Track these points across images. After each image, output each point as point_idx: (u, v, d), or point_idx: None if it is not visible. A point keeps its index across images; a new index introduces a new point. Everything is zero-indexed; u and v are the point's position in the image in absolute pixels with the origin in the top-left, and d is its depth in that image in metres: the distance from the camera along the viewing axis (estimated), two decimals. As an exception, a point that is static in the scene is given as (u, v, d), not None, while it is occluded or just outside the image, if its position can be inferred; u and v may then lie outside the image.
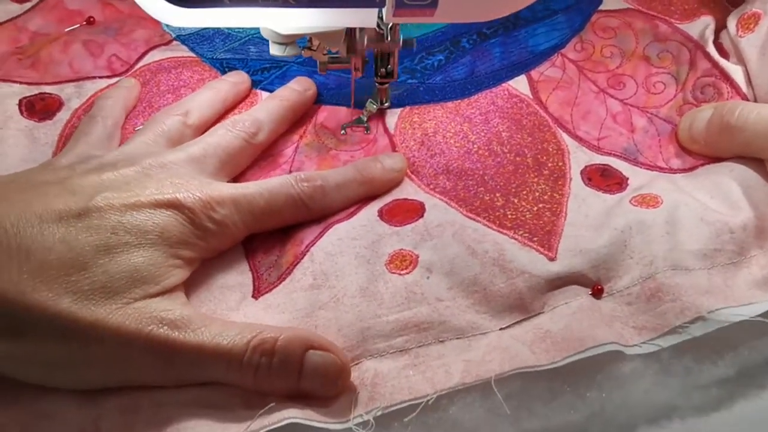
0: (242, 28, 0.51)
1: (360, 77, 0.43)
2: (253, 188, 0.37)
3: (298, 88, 0.45)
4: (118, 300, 0.31)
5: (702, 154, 0.41)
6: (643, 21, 0.48)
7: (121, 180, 0.34)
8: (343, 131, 0.44)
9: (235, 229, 0.36)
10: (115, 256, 0.32)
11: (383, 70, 0.42)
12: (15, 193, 0.32)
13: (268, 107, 0.43)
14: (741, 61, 0.43)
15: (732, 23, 0.45)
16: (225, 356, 0.31)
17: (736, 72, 0.43)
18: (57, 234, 0.31)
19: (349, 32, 0.39)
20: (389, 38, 0.39)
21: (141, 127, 0.42)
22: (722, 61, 0.44)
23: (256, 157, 0.42)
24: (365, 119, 0.45)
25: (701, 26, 0.46)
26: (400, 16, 0.33)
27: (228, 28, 0.51)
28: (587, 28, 0.49)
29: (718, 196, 0.38)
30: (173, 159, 0.37)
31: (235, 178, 0.41)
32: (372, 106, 0.45)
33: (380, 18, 0.36)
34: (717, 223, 0.36)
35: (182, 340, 0.31)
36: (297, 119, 0.44)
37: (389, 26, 0.39)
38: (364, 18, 0.35)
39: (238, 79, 0.46)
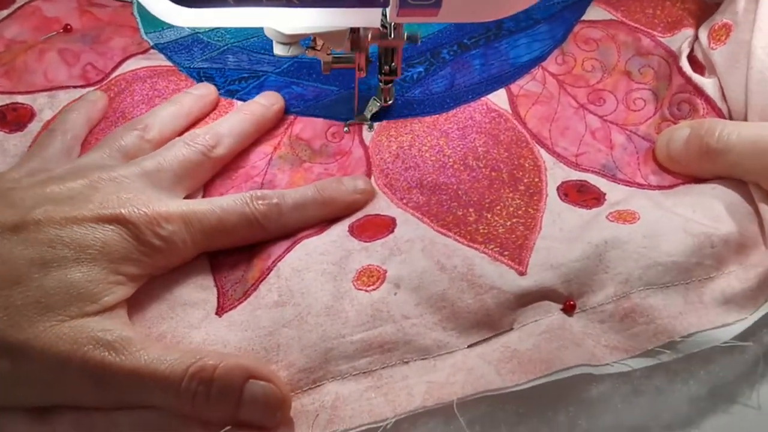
0: (221, 38, 0.50)
1: (361, 82, 0.43)
2: (206, 205, 0.36)
3: (264, 103, 0.44)
4: (52, 317, 0.30)
5: (682, 173, 0.41)
6: (626, 33, 0.47)
7: (65, 193, 0.34)
8: (346, 129, 0.44)
9: (184, 246, 0.36)
10: (51, 270, 0.31)
11: (387, 67, 0.41)
12: None
13: (230, 121, 0.42)
14: (714, 74, 0.42)
15: (704, 35, 0.44)
16: (162, 382, 0.30)
17: (709, 86, 0.42)
18: None
19: (353, 31, 0.39)
20: (393, 37, 0.39)
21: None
22: (695, 76, 0.43)
23: (222, 170, 0.42)
24: (368, 116, 0.44)
25: (681, 40, 0.46)
26: (404, 16, 0.33)
27: (207, 37, 0.50)
28: (569, 40, 0.48)
29: (699, 210, 0.37)
30: (125, 173, 0.36)
31: (204, 191, 0.41)
32: (375, 104, 0.45)
33: (384, 18, 0.36)
34: (700, 236, 0.35)
35: (118, 364, 0.30)
36: (262, 134, 0.44)
37: (393, 26, 0.39)
38: (367, 18, 0.35)
39: (204, 92, 0.45)
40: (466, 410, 0.31)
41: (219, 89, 0.46)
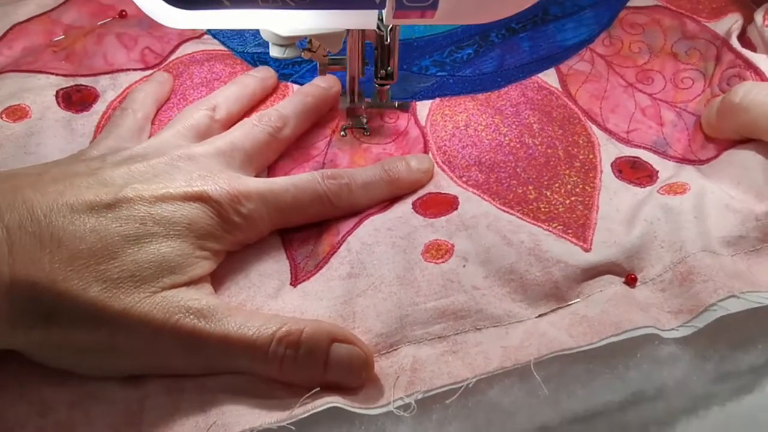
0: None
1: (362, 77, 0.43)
2: (280, 184, 0.38)
3: (323, 85, 0.45)
4: (146, 289, 0.31)
5: (718, 138, 0.42)
6: (671, 18, 0.49)
7: (150, 171, 0.35)
8: (343, 133, 0.44)
9: (261, 223, 0.37)
10: (144, 246, 0.32)
11: (383, 71, 0.42)
12: (47, 184, 0.33)
13: (293, 103, 0.43)
14: (766, 51, 0.43)
15: (759, 15, 0.45)
16: (250, 347, 0.31)
17: (760, 60, 0.43)
18: (88, 224, 0.32)
19: (350, 33, 0.40)
20: (389, 39, 0.40)
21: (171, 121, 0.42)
22: (745, 52, 0.44)
23: (285, 150, 0.43)
24: (365, 121, 0.45)
25: (729, 23, 0.47)
26: (400, 18, 0.33)
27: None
28: (615, 24, 0.49)
29: (744, 182, 0.38)
30: (201, 152, 0.37)
31: (268, 171, 0.42)
32: (371, 108, 0.45)
33: (380, 19, 0.36)
34: (743, 210, 0.36)
35: (208, 330, 0.31)
36: (322, 115, 0.45)
37: (389, 28, 0.39)
38: (364, 19, 0.35)
39: (266, 75, 0.46)
40: (539, 370, 0.32)
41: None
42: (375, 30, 0.38)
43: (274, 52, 0.39)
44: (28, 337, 0.30)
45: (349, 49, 0.41)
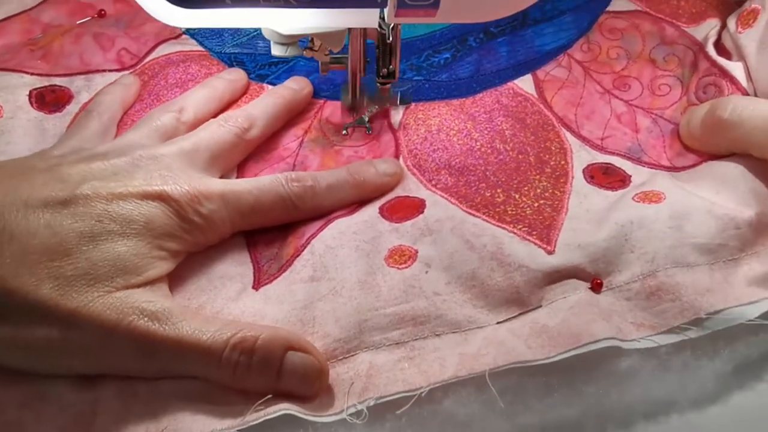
0: (251, 24, 0.51)
1: (363, 76, 0.43)
2: (243, 185, 0.37)
3: (294, 87, 0.45)
4: (99, 288, 0.31)
5: (700, 150, 0.41)
6: (650, 23, 0.48)
7: (109, 170, 0.35)
8: (344, 131, 0.44)
9: (222, 224, 0.37)
10: (99, 243, 0.32)
11: (385, 70, 0.42)
12: (3, 179, 0.33)
13: (262, 104, 0.43)
14: (742, 58, 0.43)
15: (732, 21, 0.45)
16: (204, 351, 0.31)
17: (735, 69, 0.43)
18: (41, 219, 0.31)
19: (351, 32, 0.39)
20: (391, 38, 0.40)
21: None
22: (720, 60, 0.44)
23: (255, 151, 0.43)
24: (366, 119, 0.45)
25: (707, 29, 0.46)
26: (401, 17, 0.33)
27: (237, 24, 0.51)
28: (594, 29, 0.49)
29: (724, 191, 0.38)
30: (164, 152, 0.37)
31: (238, 172, 0.42)
32: (373, 108, 0.45)
33: (382, 18, 0.36)
34: (724, 218, 0.36)
35: (162, 333, 0.31)
36: (293, 116, 0.45)
37: (391, 26, 0.39)
38: (365, 18, 0.35)
39: (236, 77, 0.46)
40: (496, 381, 0.32)
41: (249, 74, 0.47)
42: (377, 29, 0.38)
43: (276, 50, 0.39)
44: None
45: (351, 48, 0.41)
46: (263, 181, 0.38)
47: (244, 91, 0.46)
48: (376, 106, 0.45)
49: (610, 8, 0.49)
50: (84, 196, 0.33)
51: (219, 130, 0.40)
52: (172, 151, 0.38)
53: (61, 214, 0.32)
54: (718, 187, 0.38)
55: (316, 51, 0.40)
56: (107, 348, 0.31)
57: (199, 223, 0.36)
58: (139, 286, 0.33)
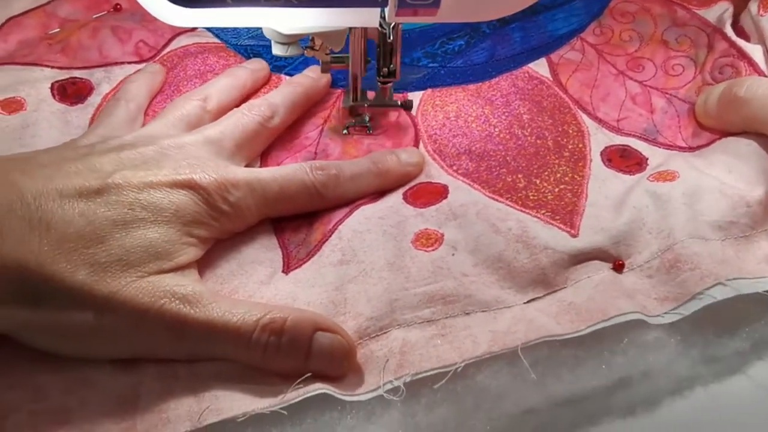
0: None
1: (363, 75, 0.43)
2: (268, 174, 0.38)
3: (313, 75, 0.45)
4: (133, 273, 0.32)
5: (714, 128, 0.42)
6: (661, 6, 0.49)
7: (139, 159, 0.35)
8: (345, 131, 0.44)
9: (248, 212, 0.37)
10: (132, 230, 0.33)
11: (385, 69, 0.42)
12: (36, 169, 0.33)
13: (283, 92, 0.44)
14: (762, 40, 0.44)
15: (754, 4, 0.45)
16: (234, 333, 0.32)
17: (754, 51, 0.43)
18: (76, 208, 0.32)
19: (352, 32, 0.40)
20: (391, 38, 0.40)
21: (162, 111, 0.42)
22: (739, 41, 0.44)
23: (277, 140, 0.43)
24: (368, 119, 0.45)
25: (719, 11, 0.47)
26: (402, 16, 0.33)
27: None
28: (605, 14, 0.49)
29: (735, 170, 0.39)
30: (190, 141, 0.38)
31: (261, 160, 0.42)
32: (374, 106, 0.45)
33: (383, 17, 0.37)
34: (734, 196, 0.37)
35: (193, 315, 0.32)
36: (312, 105, 0.45)
37: (392, 26, 0.39)
38: (366, 18, 0.35)
39: (258, 67, 0.46)
40: (527, 354, 0.32)
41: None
42: (377, 28, 0.38)
43: (277, 50, 0.39)
44: (16, 319, 0.31)
45: (352, 47, 0.41)
46: (288, 170, 0.39)
47: (266, 81, 0.47)
48: (375, 107, 0.45)
49: (620, -7, 0.50)
50: (116, 185, 0.33)
51: (243, 119, 0.41)
52: (198, 139, 0.38)
53: (95, 203, 0.33)
54: (730, 165, 0.39)
55: (316, 50, 0.41)
56: (140, 331, 0.32)
57: (227, 211, 0.36)
58: (170, 270, 0.33)
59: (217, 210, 0.36)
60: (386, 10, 0.35)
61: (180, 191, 0.35)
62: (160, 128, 0.39)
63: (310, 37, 0.40)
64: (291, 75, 0.47)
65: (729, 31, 0.46)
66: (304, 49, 0.40)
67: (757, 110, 0.38)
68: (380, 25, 0.38)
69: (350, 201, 0.40)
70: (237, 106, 0.44)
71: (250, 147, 0.41)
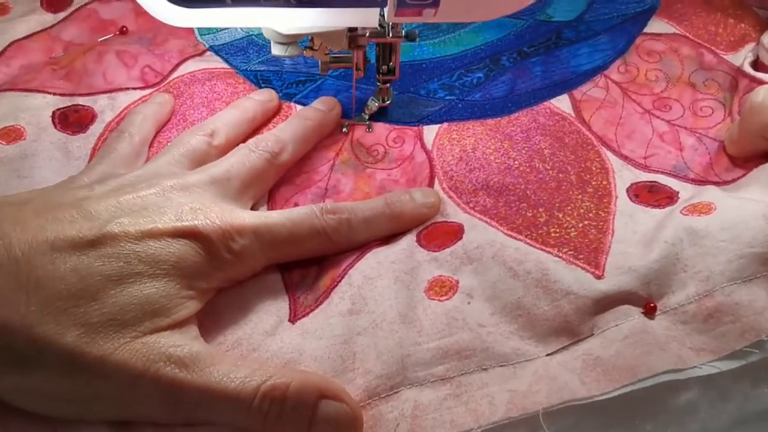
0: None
1: (360, 82, 0.43)
2: (276, 218, 0.36)
3: (322, 108, 0.44)
4: (126, 334, 0.30)
5: (739, 151, 0.40)
6: (689, 48, 0.47)
7: (139, 204, 0.33)
8: (344, 129, 0.44)
9: (254, 259, 0.35)
10: (127, 286, 0.31)
11: (385, 67, 0.41)
12: (29, 218, 0.31)
13: (292, 126, 0.42)
14: None
15: (766, 36, 0.44)
16: (233, 400, 0.29)
17: None
18: (68, 263, 0.30)
19: (351, 32, 0.39)
20: (391, 35, 0.39)
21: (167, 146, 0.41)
22: (759, 74, 0.43)
23: (286, 175, 0.41)
24: (367, 117, 0.44)
25: (744, 55, 0.46)
26: (402, 16, 0.33)
27: (261, 40, 0.50)
28: (631, 51, 0.48)
29: None
30: (194, 181, 0.36)
31: (269, 197, 0.40)
32: (373, 104, 0.44)
33: (382, 17, 0.36)
34: None
35: (189, 381, 0.29)
36: (322, 138, 0.44)
37: (391, 26, 0.39)
38: (365, 18, 0.35)
39: (267, 98, 0.45)
40: (551, 421, 0.30)
41: (277, 92, 0.46)
42: (377, 28, 0.37)
43: (276, 50, 0.38)
44: (2, 383, 0.29)
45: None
46: (298, 213, 0.37)
47: (276, 112, 0.45)
48: (377, 104, 0.44)
49: (647, 30, 0.49)
50: (112, 235, 0.31)
51: (250, 156, 0.39)
52: (203, 180, 0.36)
53: (88, 257, 0.31)
54: None
55: (316, 50, 0.40)
56: (134, 396, 0.30)
57: (231, 259, 0.34)
58: (167, 328, 0.31)
59: (220, 259, 0.34)
60: (385, 9, 0.34)
61: (181, 241, 0.33)
62: (163, 166, 0.38)
63: (310, 38, 0.39)
64: (302, 103, 0.46)
65: (748, 68, 0.44)
66: (304, 50, 0.39)
67: None
68: (379, 24, 0.37)
69: (362, 245, 0.38)
70: (245, 139, 0.42)
71: (258, 185, 0.39)
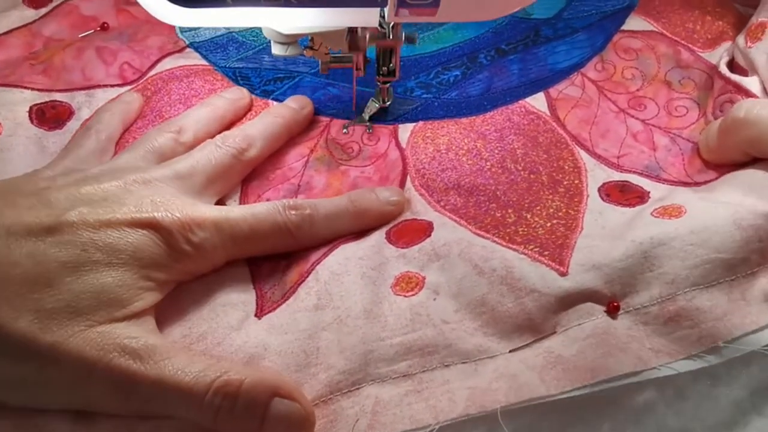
0: (256, 37, 0.50)
1: (360, 84, 0.43)
2: (238, 212, 0.36)
3: (294, 106, 0.44)
4: (81, 322, 0.30)
5: (716, 160, 0.40)
6: (666, 45, 0.47)
7: (99, 195, 0.33)
8: (345, 130, 0.44)
9: (214, 253, 0.35)
10: (83, 274, 0.31)
11: (385, 68, 0.41)
12: None
13: (261, 123, 0.42)
14: (755, 72, 0.42)
15: (741, 37, 0.44)
16: (185, 394, 0.29)
17: (751, 83, 0.41)
18: (24, 248, 0.30)
19: (351, 31, 0.39)
20: (391, 37, 0.39)
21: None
22: (734, 77, 0.42)
23: (260, 171, 0.41)
24: (367, 118, 0.44)
25: (721, 53, 0.46)
26: (402, 16, 0.33)
27: (242, 37, 0.50)
28: (609, 48, 0.47)
29: (752, 193, 0.36)
30: (158, 175, 0.36)
31: (242, 193, 0.40)
32: (374, 105, 0.44)
33: (382, 17, 0.36)
34: (749, 229, 0.34)
35: (143, 372, 0.29)
36: (292, 137, 0.43)
37: (391, 26, 0.39)
38: (365, 17, 0.35)
39: (238, 96, 0.45)
40: (509, 420, 0.30)
41: (254, 89, 0.47)
42: (377, 28, 0.38)
43: (276, 50, 0.38)
44: None
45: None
46: (260, 208, 0.36)
47: (247, 111, 0.45)
48: (377, 105, 0.44)
49: (624, 27, 0.49)
50: (70, 223, 0.31)
51: (216, 152, 0.39)
52: (167, 174, 0.36)
53: (45, 243, 0.31)
54: (744, 190, 0.36)
55: (316, 50, 0.40)
56: (86, 385, 0.30)
57: (190, 252, 0.34)
58: (122, 319, 0.31)
59: (179, 251, 0.34)
60: (385, 9, 0.34)
61: (139, 231, 0.33)
62: (128, 161, 0.38)
63: (310, 37, 0.39)
64: (279, 100, 0.46)
65: (723, 68, 0.44)
66: (304, 49, 0.39)
67: (760, 131, 0.36)
68: (380, 24, 0.37)
69: (325, 242, 0.38)
70: (214, 137, 0.42)
71: (223, 182, 0.39)
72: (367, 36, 0.39)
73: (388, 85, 0.43)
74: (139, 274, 0.32)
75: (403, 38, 0.40)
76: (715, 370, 0.33)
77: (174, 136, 0.40)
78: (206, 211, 0.35)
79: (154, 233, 0.33)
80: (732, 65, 0.44)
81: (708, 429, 0.32)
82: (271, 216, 0.36)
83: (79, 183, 0.34)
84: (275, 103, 0.46)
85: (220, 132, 0.42)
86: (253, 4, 0.33)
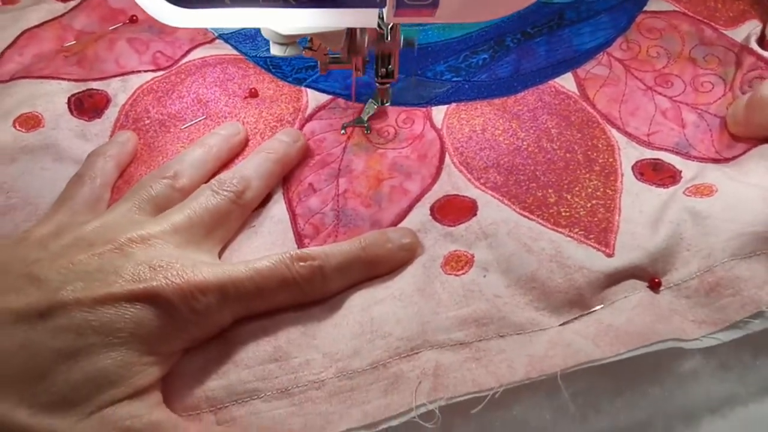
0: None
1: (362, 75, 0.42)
2: (243, 271, 0.33)
3: (286, 140, 0.42)
4: (79, 411, 0.28)
5: (743, 134, 0.41)
6: (688, 24, 0.48)
7: (94, 264, 0.31)
8: (343, 131, 0.44)
9: (220, 317, 0.33)
10: (80, 360, 0.29)
11: (383, 70, 0.41)
12: None
13: (255, 162, 0.40)
14: None
15: None
16: None
17: None
18: (16, 338, 0.29)
19: (350, 32, 0.39)
20: (390, 38, 0.39)
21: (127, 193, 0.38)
22: (765, 53, 0.44)
23: (302, 158, 0.42)
24: (365, 119, 0.44)
25: (746, 31, 0.47)
26: (400, 17, 0.33)
27: (270, 27, 0.51)
28: (632, 29, 0.49)
29: None
30: (155, 232, 0.34)
31: (284, 180, 0.41)
32: (372, 106, 0.45)
33: (381, 18, 0.36)
34: None
35: None
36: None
37: (390, 26, 0.39)
38: (364, 18, 0.35)
39: (232, 131, 0.42)
40: (566, 385, 0.31)
41: (286, 77, 0.47)
42: (375, 28, 0.38)
43: (275, 50, 0.38)
44: None
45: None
46: (266, 264, 0.34)
47: (244, 146, 0.43)
48: (376, 106, 0.45)
49: (647, 8, 0.50)
50: (63, 304, 0.29)
51: (213, 198, 0.37)
52: (165, 229, 0.34)
53: (37, 331, 0.29)
54: None
55: (315, 51, 0.40)
56: None
57: (194, 320, 0.32)
58: (125, 398, 0.29)
59: (183, 321, 0.31)
60: (384, 10, 0.34)
61: (137, 305, 0.30)
62: (124, 214, 0.35)
63: (309, 38, 0.39)
64: (312, 87, 0.46)
65: (755, 45, 0.45)
66: (303, 50, 0.39)
67: None
68: (378, 25, 0.37)
69: (335, 294, 0.36)
70: (211, 177, 0.40)
71: (223, 228, 0.37)
72: (366, 39, 0.39)
73: (386, 86, 0.43)
74: (141, 350, 0.30)
75: (402, 43, 0.40)
76: (756, 341, 0.34)
77: (170, 182, 0.38)
78: (209, 273, 0.33)
79: (154, 305, 0.31)
80: (763, 42, 0.45)
81: (753, 394, 0.34)
82: (278, 271, 0.34)
83: (71, 250, 0.32)
84: (309, 90, 0.46)
85: (216, 172, 0.41)
86: (252, 5, 0.33)
